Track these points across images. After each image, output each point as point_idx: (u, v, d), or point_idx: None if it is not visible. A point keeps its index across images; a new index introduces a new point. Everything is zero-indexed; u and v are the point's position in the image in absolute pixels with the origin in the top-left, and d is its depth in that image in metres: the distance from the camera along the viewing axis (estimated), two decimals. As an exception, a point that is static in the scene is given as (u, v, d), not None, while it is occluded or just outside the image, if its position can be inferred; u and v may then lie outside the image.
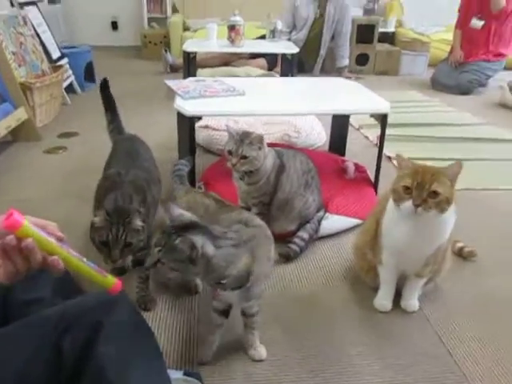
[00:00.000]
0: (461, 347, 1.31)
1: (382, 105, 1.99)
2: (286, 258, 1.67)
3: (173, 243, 0.94)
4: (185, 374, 1.11)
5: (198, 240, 0.95)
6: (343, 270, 1.65)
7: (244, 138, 1.56)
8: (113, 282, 0.78)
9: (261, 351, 1.24)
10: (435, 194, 1.17)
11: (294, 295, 1.51)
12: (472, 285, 1.58)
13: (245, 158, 1.55)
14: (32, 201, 2.06)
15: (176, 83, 2.24)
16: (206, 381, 1.14)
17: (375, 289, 1.50)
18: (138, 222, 1.22)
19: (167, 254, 0.96)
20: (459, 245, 1.72)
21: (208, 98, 2.01)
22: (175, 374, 1.10)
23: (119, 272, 1.56)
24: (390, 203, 1.34)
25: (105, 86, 1.81)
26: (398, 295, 1.46)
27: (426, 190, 1.17)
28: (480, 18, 4.28)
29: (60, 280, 1.10)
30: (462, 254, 1.72)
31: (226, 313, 1.20)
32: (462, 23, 4.46)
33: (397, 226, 1.29)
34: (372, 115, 2.04)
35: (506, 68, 4.55)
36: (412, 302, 1.44)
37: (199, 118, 2.76)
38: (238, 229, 1.07)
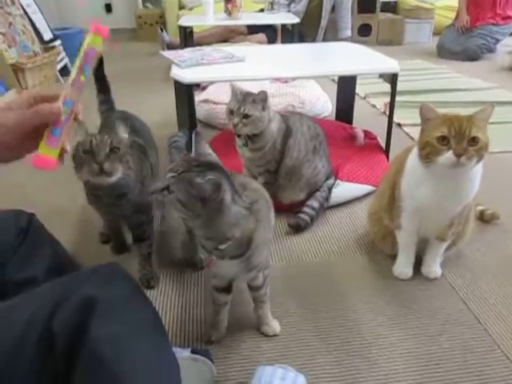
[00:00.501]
0: (489, 313, 1.21)
1: (390, 64, 1.86)
2: (297, 228, 1.57)
3: (192, 176, 0.82)
4: (193, 351, 1.02)
5: (225, 184, 0.84)
6: (357, 238, 1.55)
7: (247, 96, 1.44)
8: (96, 36, 0.75)
9: (274, 326, 1.15)
10: (475, 140, 1.05)
11: (306, 267, 1.42)
12: (496, 248, 1.48)
13: (247, 117, 1.44)
14: (26, 185, 1.97)
15: (172, 53, 2.12)
16: (216, 359, 1.06)
17: (392, 256, 1.40)
18: (122, 134, 1.17)
19: (179, 183, 0.84)
20: (480, 208, 1.61)
21: (206, 65, 1.89)
22: (182, 353, 1.01)
23: (119, 250, 1.48)
24: (410, 163, 1.23)
25: (99, 65, 1.69)
26: (417, 263, 1.37)
27: (466, 136, 1.05)
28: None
29: (56, 258, 1.04)
30: (483, 218, 1.61)
31: (227, 289, 1.10)
32: (468, -13, 4.28)
33: (421, 185, 1.17)
34: (381, 75, 1.93)
35: (512, 34, 4.40)
36: (434, 268, 1.34)
37: (197, 86, 2.65)
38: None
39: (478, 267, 1.39)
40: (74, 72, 0.75)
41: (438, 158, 1.09)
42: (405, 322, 1.18)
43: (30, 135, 0.73)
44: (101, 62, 1.69)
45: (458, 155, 1.06)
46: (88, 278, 0.76)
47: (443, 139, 1.08)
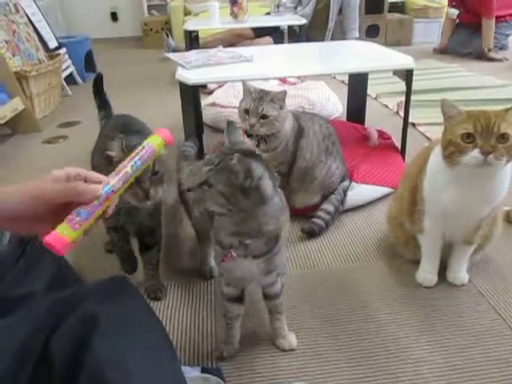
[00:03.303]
0: (524, 323, 1.12)
1: (405, 60, 1.79)
2: (311, 233, 1.49)
3: (228, 163, 0.80)
4: (203, 370, 0.94)
5: (257, 168, 0.80)
6: (375, 243, 1.47)
7: (264, 95, 1.37)
8: (159, 138, 0.73)
9: (290, 339, 1.07)
10: (504, 137, 0.97)
11: (322, 275, 1.33)
12: (526, 252, 1.38)
13: (265, 117, 1.36)
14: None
15: (178, 55, 2.07)
16: (228, 377, 0.97)
17: (415, 262, 1.31)
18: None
19: (218, 174, 0.81)
20: (505, 208, 1.52)
21: (212, 66, 1.82)
22: (192, 372, 0.94)
23: (133, 268, 1.37)
24: (432, 163, 1.14)
25: (99, 83, 1.62)
26: (441, 268, 1.27)
27: (494, 133, 0.97)
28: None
29: (58, 272, 1.00)
30: (509, 219, 1.51)
31: (240, 299, 1.02)
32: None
33: (446, 187, 1.08)
34: (395, 73, 1.84)
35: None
36: (461, 273, 1.25)
37: (204, 87, 2.58)
38: None
39: (509, 272, 1.29)
40: (125, 162, 0.70)
41: (463, 158, 1.00)
42: (432, 334, 1.09)
43: (56, 211, 0.65)
44: (100, 79, 1.63)
45: (486, 153, 0.97)
46: (91, 293, 0.71)
47: (468, 136, 1.00)
